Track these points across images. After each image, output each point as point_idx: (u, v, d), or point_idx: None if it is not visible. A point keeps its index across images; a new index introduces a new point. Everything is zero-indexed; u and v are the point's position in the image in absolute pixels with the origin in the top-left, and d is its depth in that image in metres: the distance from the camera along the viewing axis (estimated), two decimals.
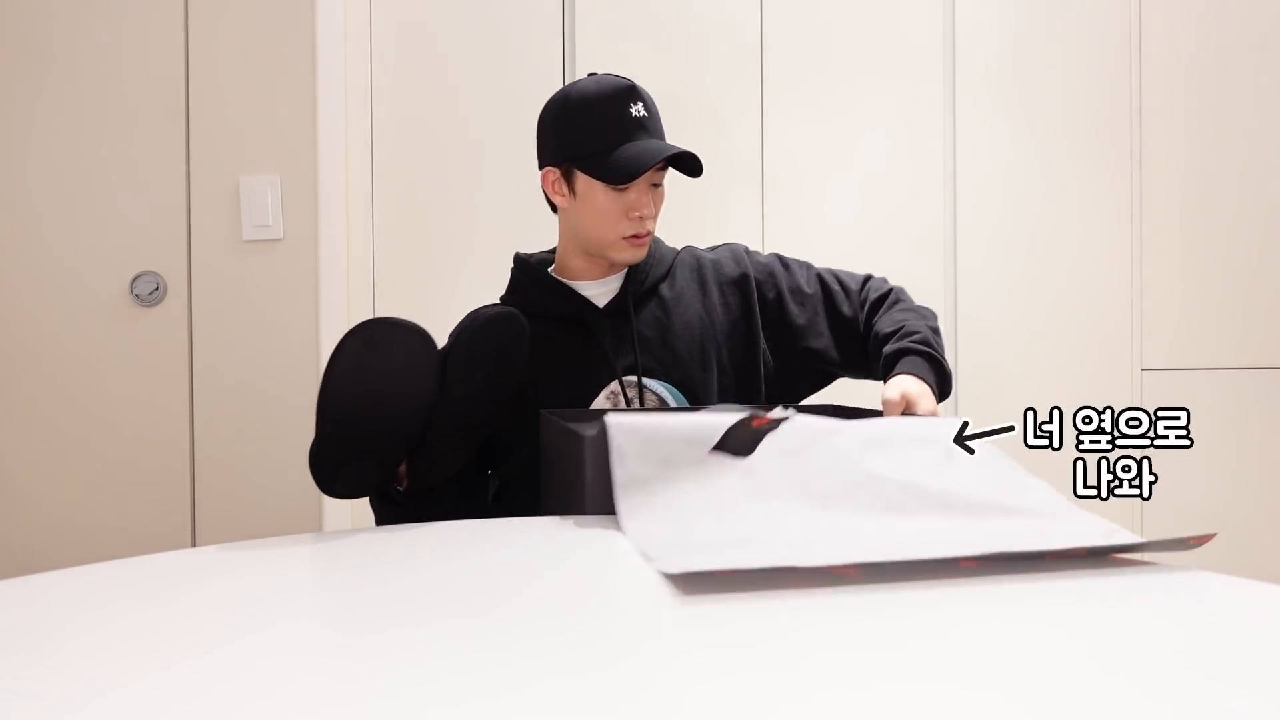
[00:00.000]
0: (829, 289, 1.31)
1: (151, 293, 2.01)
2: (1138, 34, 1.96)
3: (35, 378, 2.03)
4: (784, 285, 1.31)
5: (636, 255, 1.25)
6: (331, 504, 1.99)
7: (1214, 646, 0.55)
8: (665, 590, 0.63)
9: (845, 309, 1.30)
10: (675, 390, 1.24)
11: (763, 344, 1.30)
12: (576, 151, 1.21)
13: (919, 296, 1.99)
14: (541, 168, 1.27)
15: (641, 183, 1.21)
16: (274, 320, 2.00)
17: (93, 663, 0.53)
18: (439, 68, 2.05)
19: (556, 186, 1.25)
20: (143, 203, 2.02)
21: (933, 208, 1.99)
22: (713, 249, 1.38)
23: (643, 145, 1.19)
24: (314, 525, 1.99)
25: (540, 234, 2.07)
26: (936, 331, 1.23)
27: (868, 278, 1.35)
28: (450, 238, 2.06)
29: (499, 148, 2.05)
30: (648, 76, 2.03)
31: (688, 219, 2.01)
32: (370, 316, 0.94)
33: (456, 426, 1.02)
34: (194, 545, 2.01)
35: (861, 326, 1.29)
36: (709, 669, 0.51)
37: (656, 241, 1.35)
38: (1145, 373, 1.96)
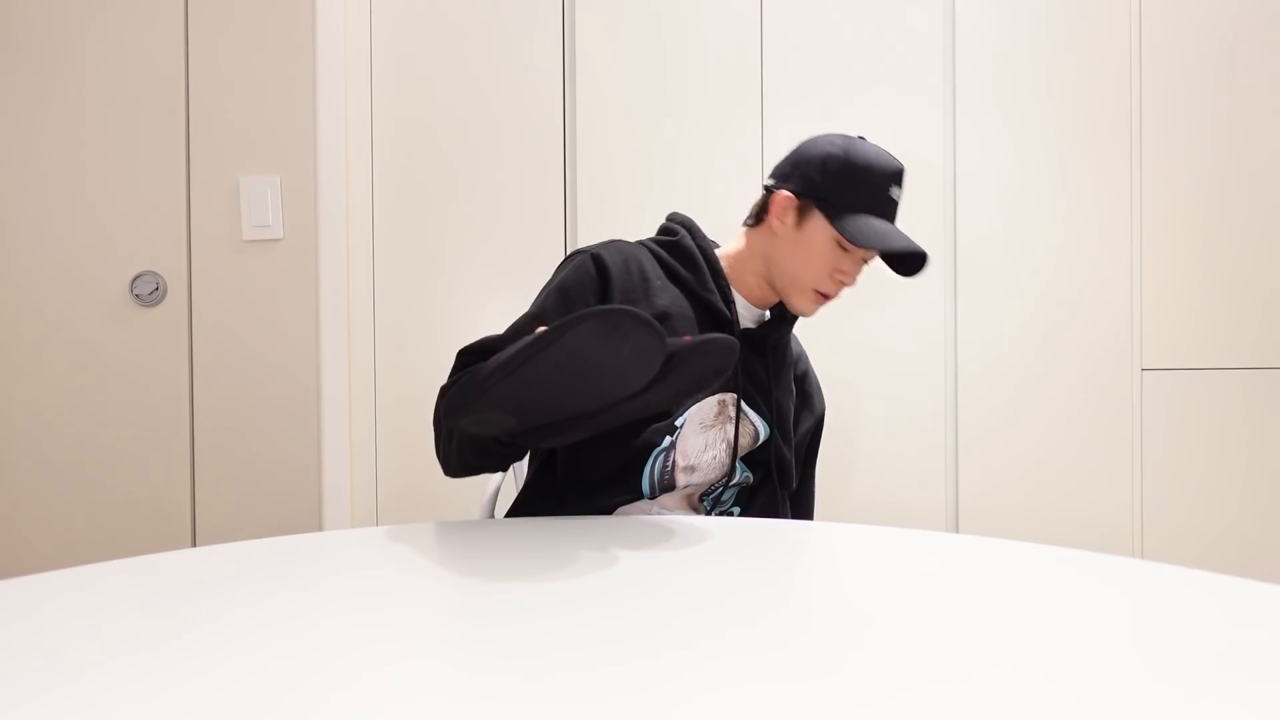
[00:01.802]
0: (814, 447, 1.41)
1: (151, 293, 2.01)
2: (1138, 34, 1.96)
3: (35, 378, 2.03)
4: (818, 412, 1.40)
5: (811, 310, 1.25)
6: (331, 504, 2.00)
7: (1213, 647, 0.55)
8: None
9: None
10: (769, 428, 1.26)
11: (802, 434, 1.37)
12: (831, 198, 1.19)
13: (919, 297, 2.00)
14: (779, 188, 1.23)
15: (860, 254, 1.21)
16: (274, 320, 2.00)
17: (92, 663, 0.53)
18: (439, 68, 2.05)
19: (784, 212, 1.21)
20: (143, 203, 2.02)
21: (933, 208, 1.99)
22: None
23: (890, 228, 1.20)
24: (314, 525, 1.99)
25: (541, 233, 2.08)
26: None
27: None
28: (450, 238, 2.06)
29: (499, 147, 2.05)
30: (648, 77, 2.04)
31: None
32: (613, 306, 0.85)
33: (611, 418, 0.97)
34: (194, 545, 2.01)
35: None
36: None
37: None
38: (1145, 373, 1.96)
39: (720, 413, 1.21)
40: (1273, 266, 1.95)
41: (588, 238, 2.00)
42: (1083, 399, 1.97)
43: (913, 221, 1.98)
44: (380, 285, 2.06)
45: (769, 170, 2.01)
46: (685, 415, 1.19)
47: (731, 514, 1.26)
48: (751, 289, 1.27)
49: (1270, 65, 1.95)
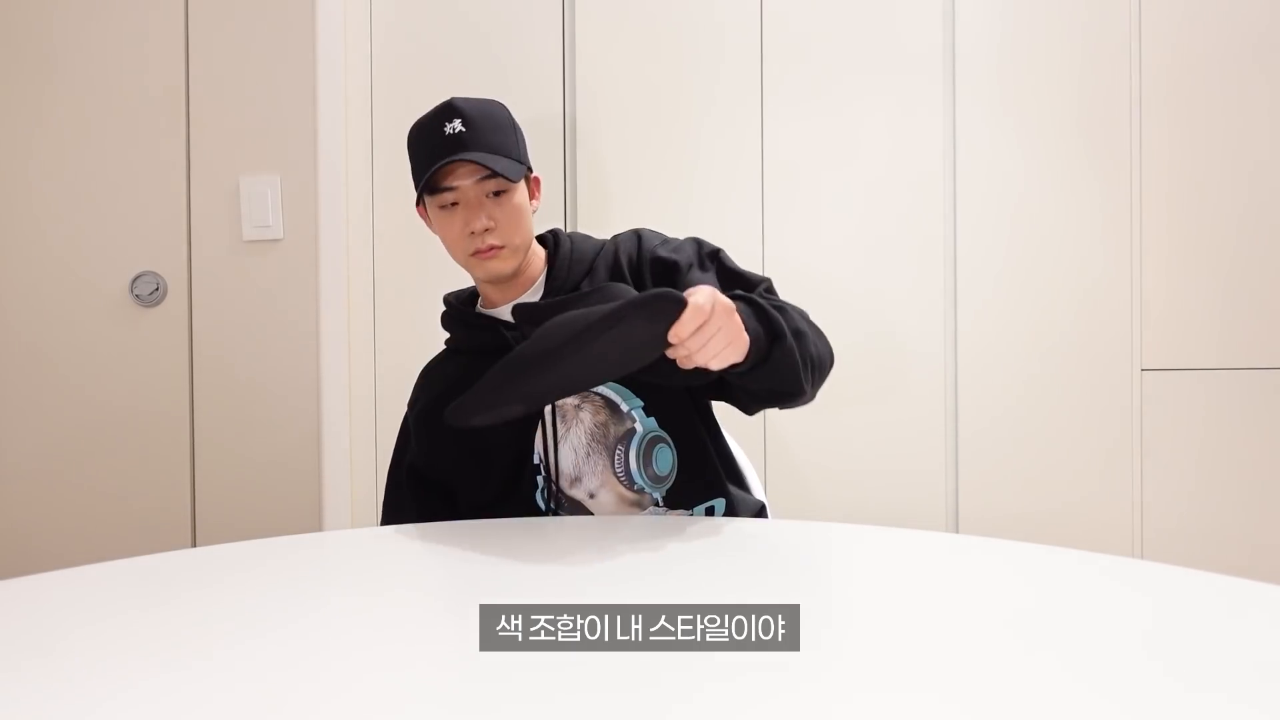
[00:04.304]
0: (727, 268, 1.23)
1: (151, 293, 2.01)
2: (1137, 34, 1.96)
3: (36, 377, 2.03)
4: (687, 255, 1.24)
5: (496, 270, 1.19)
6: (332, 504, 2.00)
7: (1212, 646, 0.55)
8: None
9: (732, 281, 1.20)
10: (620, 387, 1.19)
11: None
12: (416, 180, 1.21)
13: (919, 297, 2.00)
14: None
15: (472, 198, 1.16)
16: (274, 320, 2.00)
17: (93, 663, 0.53)
18: (439, 68, 2.05)
19: (426, 222, 1.23)
20: (143, 203, 2.02)
21: (933, 208, 1.99)
22: (632, 234, 1.31)
23: (441, 160, 1.15)
24: (314, 525, 1.99)
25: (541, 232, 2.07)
26: (797, 331, 1.08)
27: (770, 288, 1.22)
28: None
29: None
30: (647, 77, 2.04)
31: (688, 221, 2.01)
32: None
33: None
34: (194, 545, 2.01)
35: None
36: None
37: (577, 239, 1.30)
38: (1145, 373, 1.96)
39: (556, 419, 1.17)
40: (1273, 266, 1.95)
41: None
42: (1083, 399, 1.97)
43: (914, 219, 1.98)
44: (380, 285, 2.06)
45: (769, 171, 2.01)
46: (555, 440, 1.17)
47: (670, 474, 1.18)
48: (497, 295, 1.23)
49: (1270, 65, 1.95)
